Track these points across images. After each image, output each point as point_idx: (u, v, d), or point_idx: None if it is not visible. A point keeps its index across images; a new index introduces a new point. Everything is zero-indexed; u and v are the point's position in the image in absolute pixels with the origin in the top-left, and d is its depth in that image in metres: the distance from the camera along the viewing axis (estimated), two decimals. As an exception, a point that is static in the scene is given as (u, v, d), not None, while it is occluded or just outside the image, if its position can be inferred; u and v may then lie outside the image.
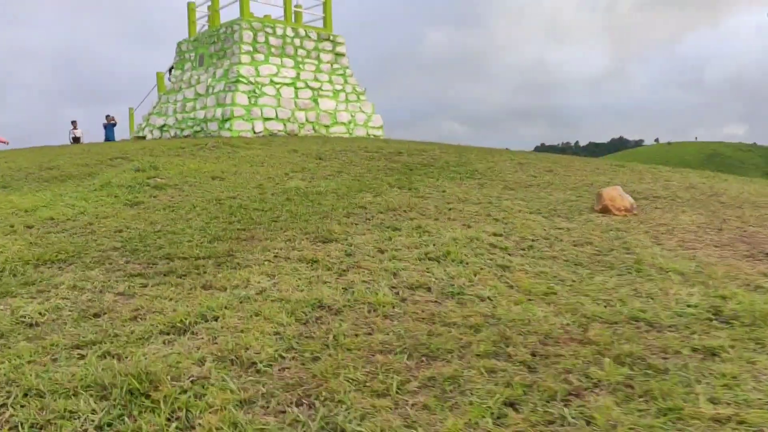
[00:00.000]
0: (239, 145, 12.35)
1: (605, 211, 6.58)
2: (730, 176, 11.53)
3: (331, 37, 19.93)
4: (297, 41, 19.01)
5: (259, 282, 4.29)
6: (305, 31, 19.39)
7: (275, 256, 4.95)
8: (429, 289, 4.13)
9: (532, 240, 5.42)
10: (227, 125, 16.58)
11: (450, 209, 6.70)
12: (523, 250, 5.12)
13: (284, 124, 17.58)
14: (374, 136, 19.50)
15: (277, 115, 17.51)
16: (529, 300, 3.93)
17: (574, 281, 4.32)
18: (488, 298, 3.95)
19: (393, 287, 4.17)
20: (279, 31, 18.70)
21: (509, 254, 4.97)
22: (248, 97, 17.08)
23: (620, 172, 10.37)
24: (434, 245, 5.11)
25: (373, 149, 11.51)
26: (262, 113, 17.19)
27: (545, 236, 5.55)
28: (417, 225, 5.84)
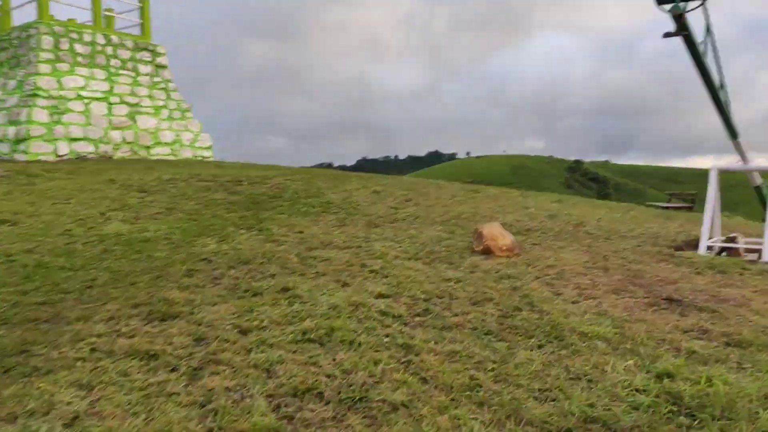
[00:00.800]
0: (38, 174, 10.16)
1: (487, 251, 5.94)
2: (575, 198, 11.81)
3: (150, 47, 17.77)
4: (109, 50, 16.63)
5: (69, 403, 2.89)
6: (119, 38, 17.07)
7: (92, 350, 3.53)
8: (321, 396, 3.03)
9: (425, 300, 4.53)
10: (22, 147, 13.87)
11: (315, 258, 5.62)
12: (420, 316, 4.21)
13: (96, 146, 15.17)
14: (203, 157, 17.70)
15: (86, 135, 15.07)
16: (454, 402, 3.00)
17: (495, 363, 3.47)
18: (403, 404, 2.95)
19: (270, 396, 3.01)
20: (87, 38, 16.20)
21: (406, 325, 4.02)
22: (49, 114, 14.46)
23: (478, 199, 10.03)
24: (311, 318, 4.00)
25: (208, 177, 10.03)
26: (67, 133, 14.65)
27: (438, 293, 4.70)
28: (282, 286, 4.68)
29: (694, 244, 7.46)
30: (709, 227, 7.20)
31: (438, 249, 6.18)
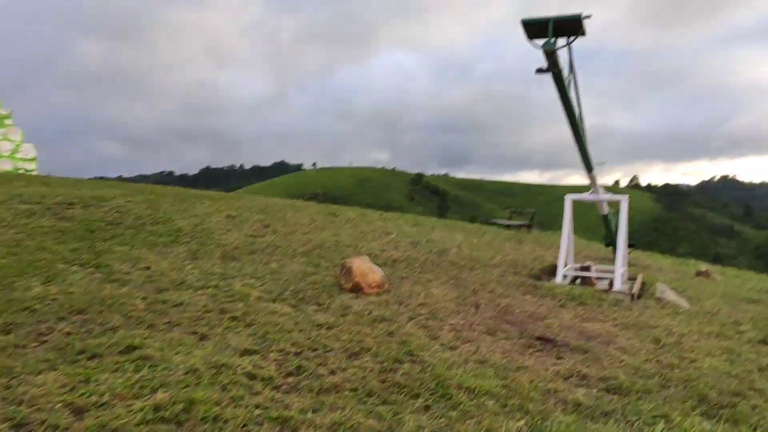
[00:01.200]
0: None
1: (357, 289, 5.61)
2: (431, 220, 11.91)
3: (-41, 41, 15.37)
4: None
5: None
6: None
7: None
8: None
9: (297, 354, 4.07)
10: None
11: (166, 303, 4.90)
12: (293, 376, 3.74)
13: None
14: (25, 170, 15.62)
15: None
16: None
17: (384, 435, 3.12)
18: (285, 505, 2.49)
19: None
20: None
21: (278, 389, 3.53)
22: None
23: (338, 223, 9.67)
24: (165, 388, 3.37)
25: (33, 198, 8.65)
26: None
27: (310, 344, 4.25)
28: (127, 344, 3.95)
29: (550, 271, 7.74)
30: (565, 256, 7.49)
31: (304, 287, 5.72)
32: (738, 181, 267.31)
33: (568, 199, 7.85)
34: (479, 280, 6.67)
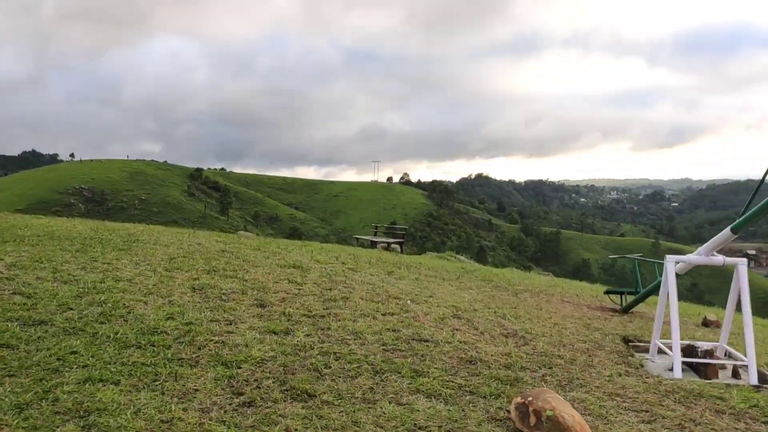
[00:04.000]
0: None
1: None
2: (433, 281, 8.72)
3: None
4: None
5: None
6: None
7: None
8: None
9: None
10: None
11: None
12: None
13: None
14: None
15: None
16: None
17: None
18: None
19: None
20: None
21: None
22: None
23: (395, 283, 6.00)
24: None
25: None
26: None
27: None
28: None
29: (641, 347, 5.40)
30: (676, 335, 5.06)
31: None
32: (490, 179, 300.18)
33: (670, 262, 5.42)
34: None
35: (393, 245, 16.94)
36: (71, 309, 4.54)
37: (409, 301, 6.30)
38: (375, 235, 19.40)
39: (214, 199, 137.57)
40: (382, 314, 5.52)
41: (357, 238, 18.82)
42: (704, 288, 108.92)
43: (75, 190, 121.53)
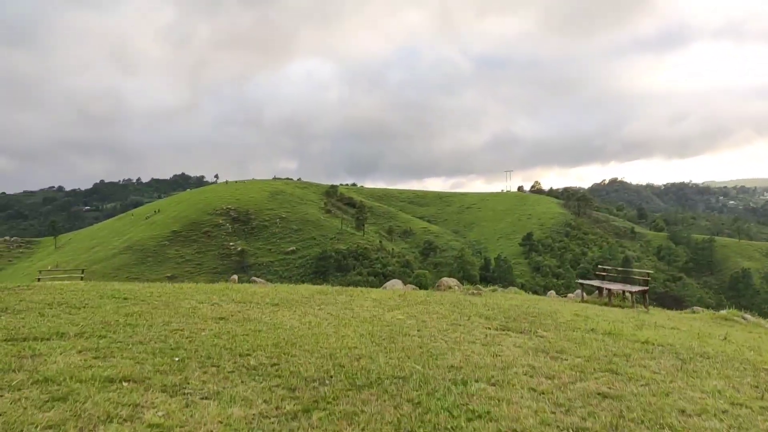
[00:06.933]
0: None
1: None
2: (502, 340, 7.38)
3: None
4: None
5: None
6: None
7: None
8: None
9: None
10: None
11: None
12: None
13: None
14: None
15: None
16: None
17: None
18: None
19: None
20: None
21: None
22: None
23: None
24: None
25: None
26: None
27: None
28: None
29: None
30: None
31: None
32: (626, 183, 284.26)
33: None
34: None
35: (632, 294, 14.19)
36: None
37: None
38: (603, 279, 15.75)
39: (350, 215, 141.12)
40: None
41: (582, 284, 15.98)
42: None
43: (223, 211, 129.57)
